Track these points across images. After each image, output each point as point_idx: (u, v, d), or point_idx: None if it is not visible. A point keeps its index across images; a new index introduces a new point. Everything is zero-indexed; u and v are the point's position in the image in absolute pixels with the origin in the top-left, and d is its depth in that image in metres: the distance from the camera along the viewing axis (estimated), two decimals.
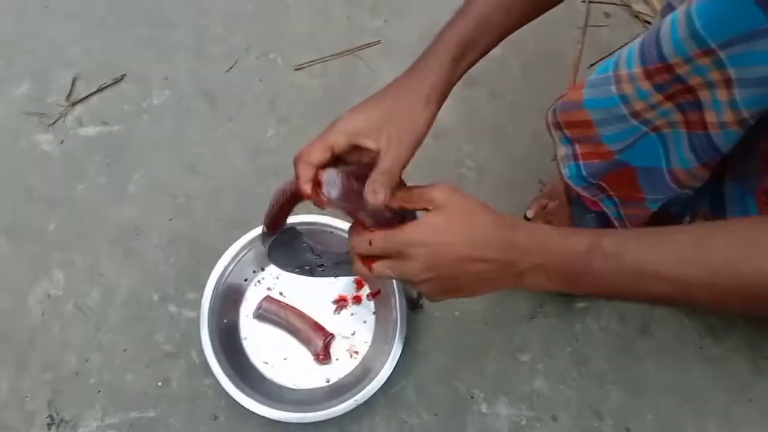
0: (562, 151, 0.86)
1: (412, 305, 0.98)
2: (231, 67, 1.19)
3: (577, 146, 0.83)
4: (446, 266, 0.63)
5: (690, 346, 1.00)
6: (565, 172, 0.86)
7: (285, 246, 0.77)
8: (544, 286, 0.64)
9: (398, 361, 0.92)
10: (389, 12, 1.22)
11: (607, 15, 1.24)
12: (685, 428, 0.96)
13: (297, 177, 0.67)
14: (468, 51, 0.72)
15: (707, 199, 0.81)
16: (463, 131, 1.14)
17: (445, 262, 0.63)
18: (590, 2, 1.22)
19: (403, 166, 0.68)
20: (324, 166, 0.67)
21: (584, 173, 0.84)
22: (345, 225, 0.96)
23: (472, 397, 0.98)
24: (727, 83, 0.63)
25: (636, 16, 1.22)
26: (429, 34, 0.73)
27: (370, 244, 0.65)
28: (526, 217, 1.02)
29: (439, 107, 0.71)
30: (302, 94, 1.17)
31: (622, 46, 1.16)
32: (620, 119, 0.75)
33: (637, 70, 0.69)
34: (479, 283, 0.64)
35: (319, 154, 0.67)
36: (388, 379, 0.91)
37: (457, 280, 0.64)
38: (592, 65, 1.18)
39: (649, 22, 1.21)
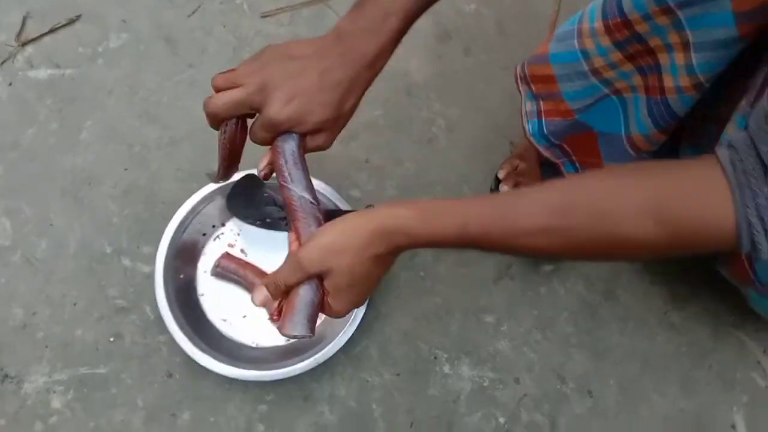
0: (527, 106, 0.85)
1: None
2: (194, 12, 1.13)
3: (541, 102, 0.82)
4: (371, 285, 0.65)
5: (654, 312, 1.00)
6: (528, 128, 0.85)
7: (245, 195, 0.74)
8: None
9: (361, 320, 0.90)
10: None
11: None
12: (647, 393, 0.96)
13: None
14: (419, 10, 0.68)
15: None
16: (434, 88, 1.11)
17: (369, 285, 0.65)
18: None
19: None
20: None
21: (546, 131, 0.83)
22: (321, 186, 0.93)
23: (435, 358, 0.96)
24: (685, 46, 0.63)
25: None
26: None
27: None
28: (497, 178, 1.00)
29: (378, 71, 0.68)
30: (267, 43, 1.11)
31: None
32: (580, 76, 0.74)
33: (598, 24, 0.68)
34: (372, 278, 0.64)
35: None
36: (350, 338, 0.89)
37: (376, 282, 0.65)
38: None
39: None
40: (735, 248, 0.53)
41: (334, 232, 0.62)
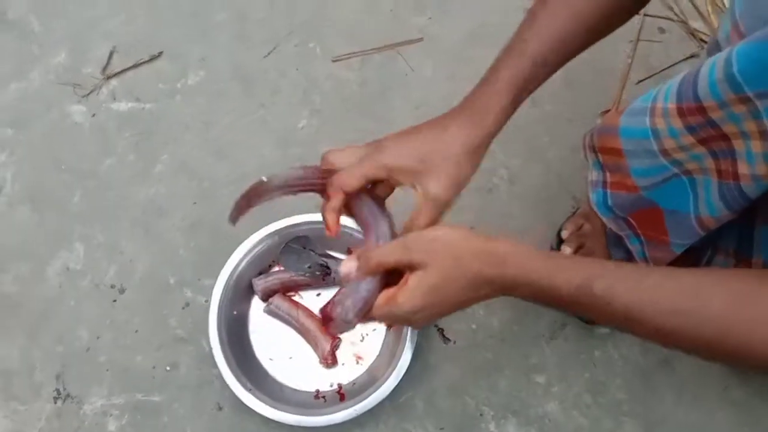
0: (593, 175, 0.84)
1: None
2: (269, 53, 1.17)
3: (607, 173, 0.81)
4: (443, 312, 0.64)
5: (713, 386, 0.96)
6: (592, 197, 0.84)
7: (296, 252, 0.77)
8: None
9: (408, 370, 0.90)
10: (435, 9, 1.19)
11: (661, 30, 1.18)
12: None
13: (327, 199, 0.68)
14: (524, 94, 0.70)
15: (734, 237, 0.78)
16: (498, 137, 1.10)
17: (443, 311, 0.64)
18: (645, 15, 1.17)
19: (434, 221, 0.68)
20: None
21: (610, 203, 0.82)
22: (355, 224, 0.94)
23: (481, 414, 0.95)
24: (762, 135, 0.60)
25: (692, 34, 1.16)
26: (474, 35, 0.71)
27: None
28: (559, 237, 0.98)
29: (485, 153, 0.70)
30: (338, 87, 1.14)
31: (671, 65, 1.13)
32: (649, 154, 0.72)
33: (671, 106, 0.66)
34: (459, 298, 0.63)
35: (354, 182, 0.67)
36: (395, 387, 0.89)
37: (450, 312, 0.64)
38: (640, 82, 1.13)
39: (704, 41, 1.16)
40: None
41: (456, 235, 0.61)
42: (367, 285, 0.64)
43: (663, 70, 1.13)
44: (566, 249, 0.97)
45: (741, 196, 0.67)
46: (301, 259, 0.79)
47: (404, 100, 1.10)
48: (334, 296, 0.66)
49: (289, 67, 1.16)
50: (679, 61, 1.13)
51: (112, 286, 1.02)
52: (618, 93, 1.13)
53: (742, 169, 0.65)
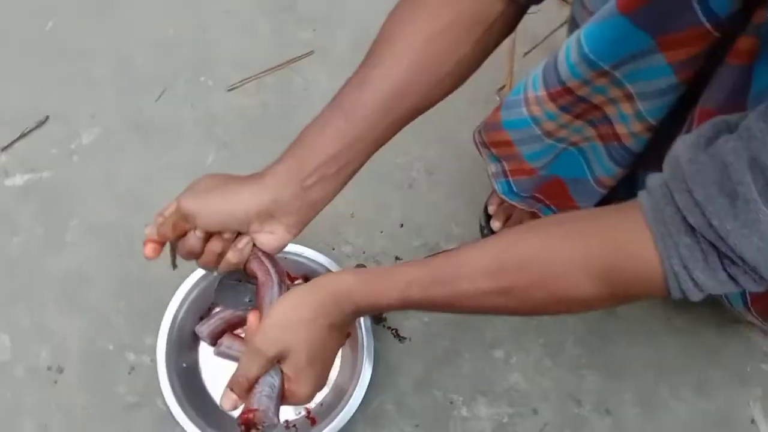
0: (492, 168, 0.88)
1: (376, 319, 0.97)
2: (160, 96, 1.14)
3: (504, 163, 0.85)
4: (330, 361, 0.67)
5: (657, 320, 1.01)
6: (498, 187, 0.88)
7: (232, 288, 0.75)
8: None
9: (371, 378, 0.90)
10: (317, 21, 1.19)
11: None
12: (665, 401, 0.97)
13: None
14: (325, 177, 0.65)
15: (625, 187, 0.82)
16: (410, 132, 1.12)
17: (328, 362, 0.66)
18: None
19: None
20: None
21: (515, 189, 0.86)
22: (313, 254, 0.94)
23: (451, 402, 0.96)
24: (628, 98, 0.66)
25: (565, 0, 1.21)
26: (360, 39, 0.71)
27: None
28: (486, 213, 1.00)
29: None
30: (239, 115, 1.13)
31: (552, 32, 1.18)
32: (536, 139, 0.77)
33: (542, 93, 0.71)
34: (328, 350, 0.65)
35: (170, 234, 0.67)
36: (363, 398, 0.89)
37: (318, 361, 0.65)
38: (527, 53, 1.17)
39: None
40: (667, 295, 0.54)
41: (282, 308, 0.63)
42: (264, 387, 0.64)
43: (546, 38, 1.18)
44: (495, 223, 1.00)
45: (627, 153, 0.72)
46: (239, 293, 0.77)
47: (310, 115, 1.09)
48: (250, 404, 0.64)
49: (184, 105, 1.13)
50: (558, 27, 1.18)
51: (49, 368, 0.97)
52: (509, 67, 1.16)
53: (620, 129, 0.70)
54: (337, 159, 0.64)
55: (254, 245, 0.68)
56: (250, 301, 0.78)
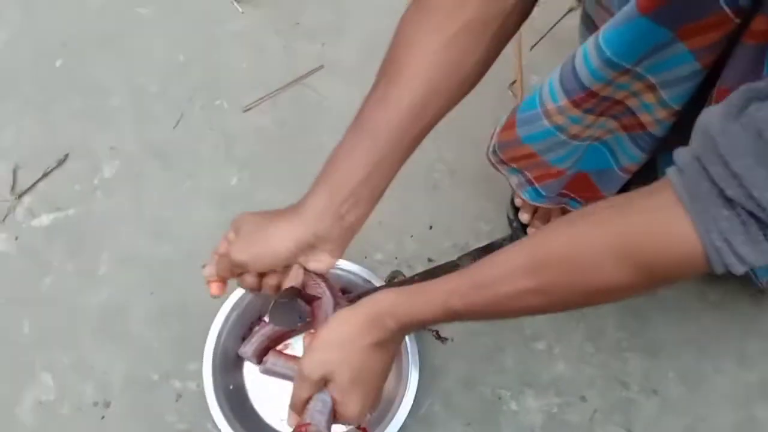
0: (514, 180, 0.89)
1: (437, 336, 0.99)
2: (178, 122, 1.15)
3: (527, 173, 0.86)
4: (378, 385, 0.69)
5: (691, 297, 1.02)
6: (525, 195, 0.89)
7: (285, 306, 0.76)
8: None
9: (419, 380, 0.90)
10: (325, 34, 1.20)
11: None
12: (708, 376, 0.98)
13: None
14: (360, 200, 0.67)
15: (637, 174, 0.83)
16: (428, 135, 1.12)
17: (375, 386, 0.68)
18: None
19: None
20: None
21: (543, 193, 0.87)
22: (347, 265, 0.94)
23: (499, 398, 0.97)
24: (651, 88, 0.67)
25: None
26: (369, 47, 0.72)
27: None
28: (514, 206, 1.01)
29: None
30: (258, 134, 1.13)
31: (555, 23, 1.18)
32: (561, 144, 0.78)
33: (563, 102, 0.72)
34: (375, 370, 0.67)
35: (229, 276, 0.72)
36: (413, 401, 0.89)
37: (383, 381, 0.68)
38: (533, 47, 1.18)
39: None
40: (710, 271, 0.53)
41: (326, 332, 0.65)
42: (317, 403, 0.66)
43: (550, 29, 1.19)
44: (524, 215, 1.00)
45: (651, 139, 0.74)
46: (293, 310, 0.77)
47: (328, 127, 1.10)
48: (303, 420, 0.67)
49: (202, 129, 1.14)
50: (562, 17, 1.20)
51: (95, 404, 0.96)
52: (517, 62, 1.17)
53: (644, 118, 0.71)
54: (368, 181, 0.66)
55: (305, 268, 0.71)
56: (301, 318, 0.78)
